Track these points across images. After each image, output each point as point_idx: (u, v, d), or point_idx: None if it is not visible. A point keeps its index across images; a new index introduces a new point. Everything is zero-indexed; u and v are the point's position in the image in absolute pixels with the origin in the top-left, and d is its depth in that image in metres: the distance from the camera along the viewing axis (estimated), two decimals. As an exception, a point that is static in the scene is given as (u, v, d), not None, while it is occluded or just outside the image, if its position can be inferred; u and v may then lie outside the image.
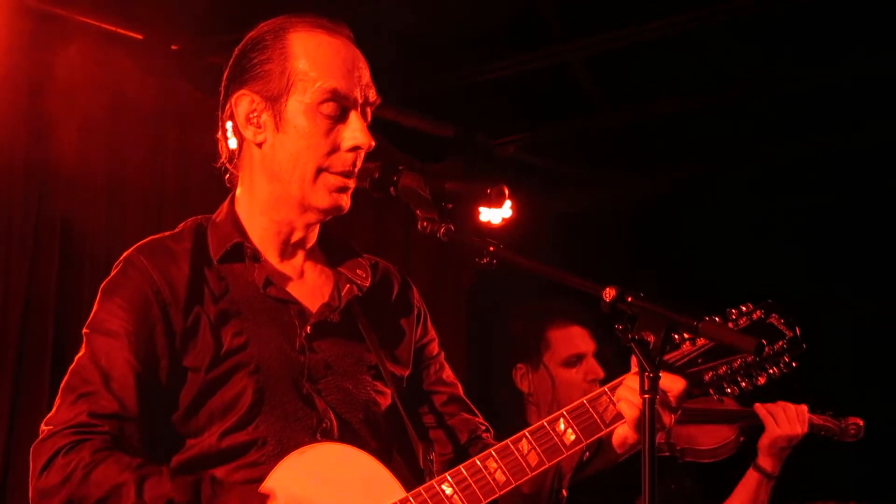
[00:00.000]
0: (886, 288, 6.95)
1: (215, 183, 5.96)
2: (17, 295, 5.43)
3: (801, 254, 7.02)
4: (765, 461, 4.70)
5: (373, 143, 2.89)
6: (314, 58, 2.86)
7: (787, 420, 4.62)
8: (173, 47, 5.87)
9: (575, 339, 4.90)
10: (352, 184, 2.89)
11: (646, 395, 2.43)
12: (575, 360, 4.87)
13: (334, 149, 2.86)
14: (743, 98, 6.78)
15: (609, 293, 2.51)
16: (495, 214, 6.79)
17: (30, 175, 5.53)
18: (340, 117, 2.86)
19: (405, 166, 2.83)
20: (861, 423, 4.78)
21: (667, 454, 4.75)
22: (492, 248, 2.68)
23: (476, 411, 3.20)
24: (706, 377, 2.87)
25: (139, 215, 5.85)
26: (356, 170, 2.88)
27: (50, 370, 5.41)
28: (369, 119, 2.92)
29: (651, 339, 2.45)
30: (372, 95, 2.91)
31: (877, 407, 5.16)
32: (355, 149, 2.86)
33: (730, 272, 6.97)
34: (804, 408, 4.67)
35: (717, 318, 2.80)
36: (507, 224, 6.83)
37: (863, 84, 6.52)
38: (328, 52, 2.88)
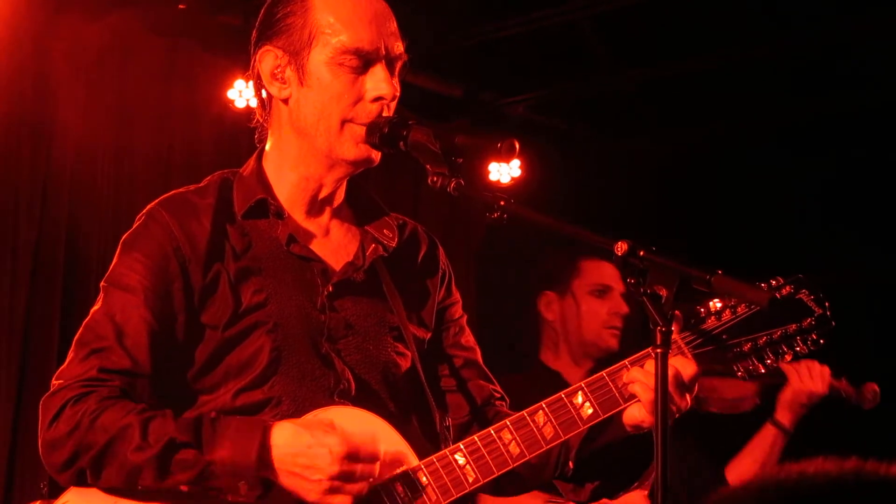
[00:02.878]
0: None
1: (225, 143, 6.01)
2: (25, 257, 5.43)
3: (816, 216, 6.96)
4: (783, 415, 4.79)
5: (397, 93, 2.87)
6: (336, 10, 2.83)
7: (810, 377, 4.70)
8: (181, 6, 5.83)
9: (606, 270, 5.02)
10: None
11: (658, 350, 2.41)
12: (603, 290, 5.01)
13: (358, 99, 2.83)
14: (755, 56, 6.72)
15: (621, 247, 2.49)
16: (504, 173, 6.77)
17: (37, 137, 5.52)
18: (364, 68, 2.83)
19: (415, 121, 2.79)
20: (878, 389, 4.80)
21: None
22: (502, 203, 2.65)
23: (492, 378, 3.17)
24: (730, 354, 2.85)
25: (147, 176, 5.84)
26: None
27: (58, 330, 5.42)
28: (397, 71, 2.89)
29: (664, 293, 2.43)
30: (398, 48, 2.87)
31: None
32: (378, 99, 2.83)
33: (742, 233, 6.93)
34: (827, 369, 4.72)
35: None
36: (516, 184, 6.80)
37: (873, 43, 6.47)
38: (350, 4, 2.85)
